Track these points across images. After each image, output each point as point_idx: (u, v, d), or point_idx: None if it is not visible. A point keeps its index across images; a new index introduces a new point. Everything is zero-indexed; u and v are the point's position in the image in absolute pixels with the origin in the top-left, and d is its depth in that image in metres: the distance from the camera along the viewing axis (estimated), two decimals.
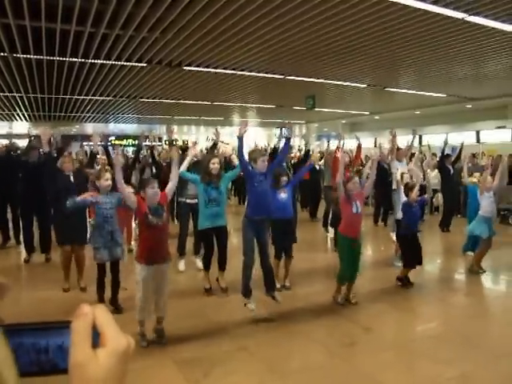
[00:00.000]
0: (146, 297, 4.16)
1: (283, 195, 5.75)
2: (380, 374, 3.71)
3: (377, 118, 21.11)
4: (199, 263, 6.53)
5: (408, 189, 6.13)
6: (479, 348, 4.15)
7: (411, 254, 5.99)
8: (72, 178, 6.00)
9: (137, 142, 19.93)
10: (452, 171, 10.24)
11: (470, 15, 6.37)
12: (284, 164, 7.80)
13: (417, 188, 6.06)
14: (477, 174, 8.12)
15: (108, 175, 5.10)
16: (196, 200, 6.38)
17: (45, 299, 5.46)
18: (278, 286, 5.60)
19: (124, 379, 0.53)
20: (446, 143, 10.33)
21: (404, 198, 6.18)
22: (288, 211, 5.79)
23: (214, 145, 7.71)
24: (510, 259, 7.76)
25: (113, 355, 0.51)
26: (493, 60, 9.53)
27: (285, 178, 5.87)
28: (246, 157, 5.08)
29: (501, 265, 7.51)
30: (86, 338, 0.51)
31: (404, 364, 3.95)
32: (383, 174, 9.58)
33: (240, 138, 4.95)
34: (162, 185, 4.45)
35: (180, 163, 5.22)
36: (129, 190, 4.50)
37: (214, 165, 5.59)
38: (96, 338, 0.52)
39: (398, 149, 9.40)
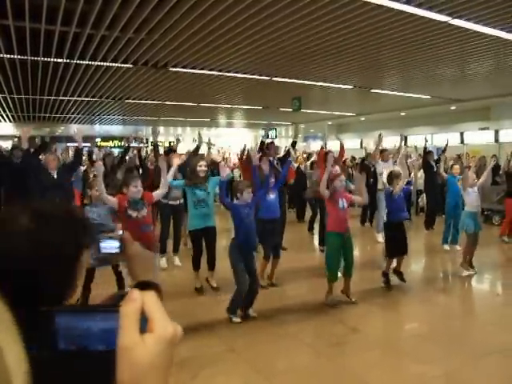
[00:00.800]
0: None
1: (271, 196, 5.80)
2: (366, 374, 3.74)
3: (362, 119, 21.26)
4: (177, 261, 6.87)
5: (392, 177, 6.18)
6: (463, 347, 4.21)
7: (395, 244, 6.05)
8: (55, 176, 6.01)
9: (124, 143, 19.82)
10: (435, 168, 10.35)
11: (453, 18, 6.46)
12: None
13: (402, 180, 6.13)
14: (456, 166, 8.27)
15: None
16: (178, 201, 6.66)
17: None
18: (263, 284, 5.67)
19: (170, 366, 0.54)
20: (426, 140, 10.64)
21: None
22: (275, 211, 5.84)
23: (197, 148, 7.80)
24: (494, 259, 7.88)
25: (160, 341, 0.52)
26: (476, 62, 9.66)
27: (272, 180, 5.89)
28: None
29: (484, 264, 7.61)
30: (135, 323, 0.52)
31: (390, 363, 3.99)
32: (368, 174, 9.73)
33: (222, 181, 5.18)
34: (148, 188, 4.51)
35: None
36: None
37: (201, 167, 5.64)
38: (144, 324, 0.53)
39: (383, 150, 9.53)
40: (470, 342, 4.33)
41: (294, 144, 9.56)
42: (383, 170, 8.52)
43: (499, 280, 7.00)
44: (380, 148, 9.19)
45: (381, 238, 8.65)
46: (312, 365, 3.92)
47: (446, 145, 10.87)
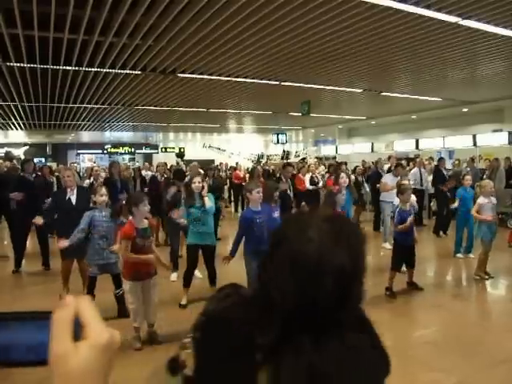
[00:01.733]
0: (136, 307, 4.36)
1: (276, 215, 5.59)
2: None
3: (373, 122, 21.16)
4: (172, 276, 6.74)
5: (401, 190, 6.19)
6: (477, 354, 4.12)
7: (401, 257, 6.11)
8: (74, 201, 5.90)
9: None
10: (447, 176, 10.28)
11: (463, 19, 6.40)
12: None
13: (409, 194, 6.17)
14: (468, 177, 8.07)
15: (103, 190, 5.13)
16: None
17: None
18: None
19: (108, 373, 0.51)
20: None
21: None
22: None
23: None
24: (508, 263, 7.74)
25: (94, 348, 0.50)
26: (488, 63, 9.56)
27: (276, 194, 5.63)
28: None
29: (499, 269, 7.49)
30: (67, 330, 0.50)
31: (401, 371, 3.90)
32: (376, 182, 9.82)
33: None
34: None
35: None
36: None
37: (195, 184, 5.56)
38: (78, 331, 0.50)
39: (398, 164, 9.63)
40: (484, 349, 4.24)
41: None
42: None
43: None
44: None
45: (388, 245, 8.62)
46: None
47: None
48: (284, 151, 27.61)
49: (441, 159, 11.03)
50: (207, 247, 5.62)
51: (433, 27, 6.86)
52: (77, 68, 9.04)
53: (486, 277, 6.69)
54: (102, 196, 5.05)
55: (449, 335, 4.66)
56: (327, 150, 25.83)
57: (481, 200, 6.79)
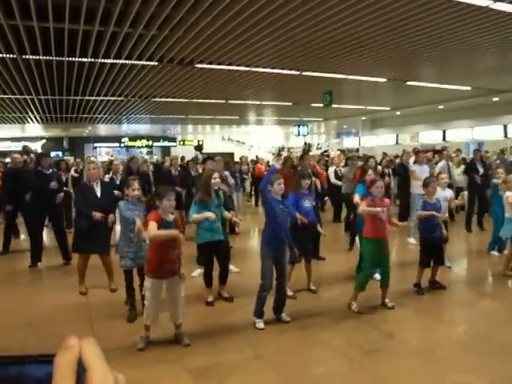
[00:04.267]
0: (153, 307, 4.33)
1: (307, 203, 5.79)
2: None
3: (398, 113, 20.87)
4: (195, 272, 6.63)
5: (426, 183, 6.06)
6: (509, 356, 4.02)
7: (429, 254, 5.91)
8: (99, 193, 5.96)
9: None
10: (481, 169, 10.06)
11: (495, 2, 6.23)
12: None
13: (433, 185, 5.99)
14: (500, 170, 7.81)
15: (136, 185, 5.14)
16: None
17: (60, 304, 5.49)
18: (290, 293, 5.61)
19: None
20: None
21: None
22: (308, 217, 5.74)
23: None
24: None
25: None
26: None
27: (307, 182, 5.84)
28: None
29: None
30: (70, 374, 0.47)
31: (428, 373, 3.84)
32: (406, 174, 9.66)
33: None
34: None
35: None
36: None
37: (216, 180, 5.56)
38: (81, 375, 0.47)
39: (419, 151, 9.52)
40: None
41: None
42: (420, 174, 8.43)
43: None
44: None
45: (413, 240, 8.53)
46: (345, 374, 3.82)
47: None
48: (305, 143, 27.48)
49: (476, 151, 10.79)
50: (218, 243, 5.55)
51: (461, 11, 6.70)
52: (93, 60, 9.11)
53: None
54: (135, 191, 5.08)
55: (479, 335, 4.56)
56: (350, 142, 25.65)
57: (509, 193, 6.60)
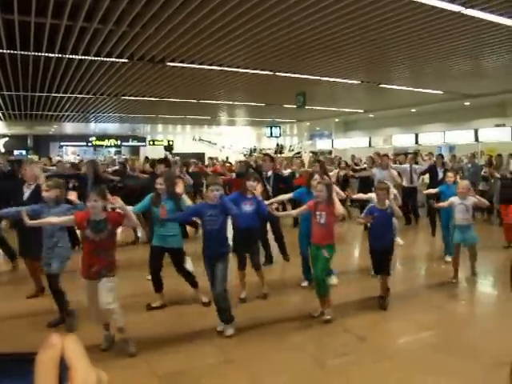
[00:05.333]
0: (93, 307, 4.29)
1: (248, 207, 5.54)
2: None
3: (371, 116, 21.19)
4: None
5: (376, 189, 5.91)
6: (478, 357, 4.13)
7: (375, 262, 5.77)
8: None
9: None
10: (441, 174, 9.81)
11: (467, 8, 6.40)
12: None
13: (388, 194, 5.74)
14: (450, 174, 7.57)
15: (45, 186, 5.01)
16: None
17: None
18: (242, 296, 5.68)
19: None
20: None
21: None
22: (250, 221, 5.57)
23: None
24: (506, 263, 7.77)
25: None
26: (491, 55, 9.59)
27: (252, 184, 5.58)
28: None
29: (501, 268, 7.53)
30: (53, 373, 0.47)
31: (400, 375, 3.92)
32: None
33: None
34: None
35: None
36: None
37: (157, 185, 5.46)
38: (64, 373, 0.47)
39: (384, 155, 9.55)
40: (485, 352, 4.24)
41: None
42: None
43: None
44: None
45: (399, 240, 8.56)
46: (317, 378, 3.85)
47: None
48: (278, 145, 27.61)
49: (438, 156, 10.86)
50: (171, 251, 5.46)
51: (435, 16, 6.85)
52: (60, 55, 8.95)
53: (454, 281, 6.52)
54: (48, 191, 4.95)
55: (449, 337, 4.67)
56: (323, 145, 25.87)
57: (454, 198, 6.60)
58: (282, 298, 5.98)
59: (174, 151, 25.48)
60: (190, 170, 12.65)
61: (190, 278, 5.64)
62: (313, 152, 23.86)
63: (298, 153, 24.64)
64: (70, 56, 9.03)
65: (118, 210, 4.38)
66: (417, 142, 19.05)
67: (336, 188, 6.33)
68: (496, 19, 6.93)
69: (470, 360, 4.08)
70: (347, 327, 4.94)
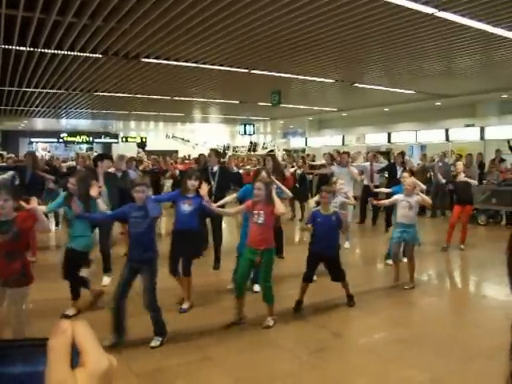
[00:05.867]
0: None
1: (186, 207, 5.29)
2: (351, 381, 3.77)
3: (344, 114, 21.41)
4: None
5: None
6: (449, 351, 4.26)
7: (312, 267, 5.46)
8: None
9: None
10: (399, 173, 9.62)
11: (439, 11, 6.55)
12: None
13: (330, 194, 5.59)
14: (406, 174, 7.32)
15: None
16: None
17: None
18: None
19: None
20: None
21: None
22: (187, 223, 5.28)
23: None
24: (480, 260, 8.01)
25: (93, 376, 0.49)
26: (462, 57, 9.83)
27: (193, 183, 5.27)
28: None
29: (470, 265, 7.76)
30: (65, 357, 0.48)
31: (375, 369, 4.01)
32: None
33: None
34: None
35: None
36: None
37: (69, 185, 5.29)
38: (75, 357, 0.49)
39: (344, 152, 9.43)
40: (456, 346, 4.38)
41: None
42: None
43: (484, 282, 7.12)
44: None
45: (347, 244, 8.47)
46: (295, 373, 3.91)
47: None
48: (251, 143, 27.66)
49: (399, 154, 10.73)
50: (71, 252, 5.16)
51: (408, 18, 7.00)
52: (32, 49, 8.78)
53: (406, 287, 6.22)
54: None
55: (421, 332, 4.80)
56: (296, 143, 26.03)
57: (399, 196, 6.47)
58: (255, 295, 6.02)
59: (147, 148, 25.28)
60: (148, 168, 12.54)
61: (76, 286, 5.16)
62: (286, 150, 23.99)
63: (272, 151, 24.74)
64: (43, 50, 8.87)
65: (31, 212, 4.12)
66: (389, 141, 19.34)
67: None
68: (467, 22, 7.12)
69: (442, 354, 4.20)
70: (323, 324, 5.01)
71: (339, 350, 4.37)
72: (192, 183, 5.22)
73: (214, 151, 7.99)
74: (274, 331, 4.79)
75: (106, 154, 8.05)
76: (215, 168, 7.38)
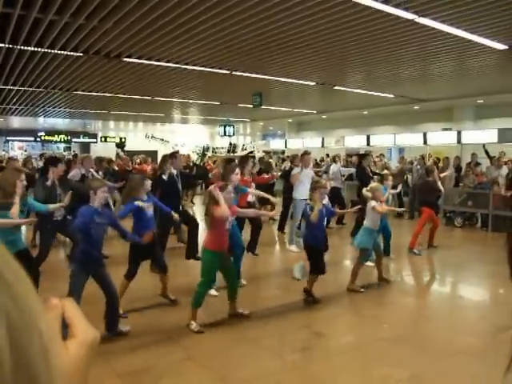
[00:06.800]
0: None
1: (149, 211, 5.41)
2: (333, 379, 3.82)
3: (324, 117, 21.57)
4: None
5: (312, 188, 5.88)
6: (428, 349, 4.36)
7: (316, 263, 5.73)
8: None
9: None
10: (371, 175, 9.90)
11: (419, 16, 6.68)
12: None
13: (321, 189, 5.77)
14: (390, 177, 7.70)
15: None
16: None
17: None
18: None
19: (89, 369, 0.55)
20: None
21: None
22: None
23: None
24: (457, 261, 8.18)
25: (82, 346, 0.54)
26: (439, 62, 10.03)
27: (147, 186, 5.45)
28: None
29: (447, 267, 7.92)
30: (57, 330, 0.53)
31: (356, 367, 4.08)
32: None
33: None
34: None
35: None
36: None
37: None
38: (64, 330, 0.54)
39: (305, 153, 9.37)
40: (434, 344, 4.49)
41: None
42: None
43: (461, 283, 7.28)
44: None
45: (294, 247, 8.58)
46: (277, 372, 3.95)
47: None
48: (230, 144, 27.67)
49: (364, 155, 10.98)
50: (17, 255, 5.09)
51: (389, 23, 7.10)
52: (11, 46, 8.63)
53: (362, 290, 6.29)
54: None
55: (401, 331, 4.90)
56: (276, 144, 26.11)
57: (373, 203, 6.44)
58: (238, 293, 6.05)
59: (125, 148, 25.08)
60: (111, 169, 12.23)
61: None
62: (266, 151, 24.06)
63: (251, 152, 24.76)
64: (22, 47, 8.73)
65: None
66: (368, 144, 19.56)
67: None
68: (446, 28, 7.26)
69: (422, 351, 4.30)
70: (304, 323, 5.07)
71: (322, 349, 4.43)
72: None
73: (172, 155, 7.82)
74: (257, 331, 4.83)
75: (58, 158, 7.72)
76: (174, 171, 7.36)
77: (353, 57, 9.62)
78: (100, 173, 7.99)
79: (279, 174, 11.06)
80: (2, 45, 8.60)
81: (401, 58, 9.67)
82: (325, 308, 5.55)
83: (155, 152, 24.20)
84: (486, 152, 12.82)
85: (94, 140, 26.72)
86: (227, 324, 4.99)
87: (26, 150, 24.90)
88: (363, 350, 4.45)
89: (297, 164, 9.35)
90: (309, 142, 23.07)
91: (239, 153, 25.27)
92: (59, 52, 9.05)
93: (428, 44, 8.40)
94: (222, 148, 28.18)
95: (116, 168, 12.58)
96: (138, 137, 28.59)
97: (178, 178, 7.31)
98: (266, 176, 9.67)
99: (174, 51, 9.11)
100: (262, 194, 7.40)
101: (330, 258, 8.29)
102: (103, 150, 23.79)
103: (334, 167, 11.91)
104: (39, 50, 8.89)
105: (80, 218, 4.32)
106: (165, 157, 7.64)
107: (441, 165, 12.87)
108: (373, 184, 6.97)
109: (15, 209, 4.68)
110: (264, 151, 24.44)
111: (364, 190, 6.83)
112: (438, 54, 9.27)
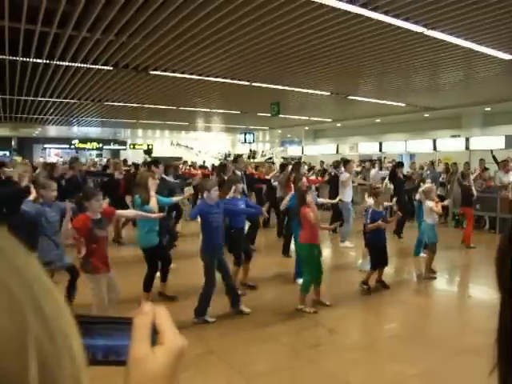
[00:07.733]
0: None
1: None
2: (346, 374, 3.77)
3: (338, 125, 21.47)
4: None
5: (374, 194, 6.26)
6: (439, 346, 4.28)
7: (378, 257, 6.06)
8: None
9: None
10: (403, 179, 10.22)
11: (428, 29, 6.61)
12: None
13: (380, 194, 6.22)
14: (428, 180, 8.09)
15: (55, 185, 4.93)
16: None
17: None
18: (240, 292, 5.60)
19: (176, 378, 0.54)
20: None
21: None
22: (241, 221, 5.97)
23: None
24: (464, 261, 8.04)
25: (169, 354, 0.53)
26: (448, 72, 9.90)
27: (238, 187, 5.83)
28: None
29: (456, 267, 7.78)
30: (147, 336, 0.53)
31: (368, 364, 4.03)
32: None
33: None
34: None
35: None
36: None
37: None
38: (154, 336, 0.53)
39: (348, 161, 9.50)
40: (444, 342, 4.40)
41: None
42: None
43: (469, 283, 7.15)
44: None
45: (348, 243, 8.76)
46: (292, 366, 3.92)
47: None
48: (251, 150, 27.70)
49: (399, 164, 10.94)
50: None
51: (400, 36, 7.05)
52: (48, 61, 8.81)
53: (433, 276, 6.76)
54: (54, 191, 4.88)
55: (412, 329, 4.82)
56: (293, 151, 26.07)
57: (429, 203, 6.74)
58: (257, 292, 6.03)
59: (152, 155, 25.31)
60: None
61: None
62: (284, 158, 24.03)
63: (270, 158, 24.75)
64: (58, 62, 8.89)
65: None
66: (380, 150, 19.40)
67: None
68: (453, 40, 7.18)
69: (432, 349, 4.22)
70: (319, 320, 5.02)
71: (335, 346, 4.38)
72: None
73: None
74: (274, 327, 4.80)
75: (159, 160, 7.85)
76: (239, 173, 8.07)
77: (366, 68, 9.56)
78: (170, 176, 8.26)
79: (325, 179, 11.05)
80: (40, 61, 8.78)
81: (411, 69, 9.58)
82: (338, 307, 5.49)
83: (180, 158, 24.36)
84: (494, 158, 12.56)
85: (124, 147, 27.06)
86: (247, 320, 4.97)
87: (61, 157, 25.31)
88: (375, 346, 4.39)
89: (343, 170, 9.48)
90: (324, 148, 22.99)
91: (258, 159, 25.27)
92: (91, 66, 9.20)
93: (437, 55, 8.30)
94: (243, 154, 28.25)
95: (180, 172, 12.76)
96: (164, 144, 28.84)
97: (242, 179, 7.44)
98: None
99: (197, 64, 9.17)
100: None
101: (343, 259, 8.24)
102: (132, 156, 24.04)
103: (373, 172, 11.82)
104: (73, 64, 9.04)
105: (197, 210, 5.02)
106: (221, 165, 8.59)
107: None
108: (427, 185, 7.29)
109: (153, 202, 5.03)
110: (282, 157, 24.41)
111: (420, 191, 7.55)
112: (446, 65, 9.15)
